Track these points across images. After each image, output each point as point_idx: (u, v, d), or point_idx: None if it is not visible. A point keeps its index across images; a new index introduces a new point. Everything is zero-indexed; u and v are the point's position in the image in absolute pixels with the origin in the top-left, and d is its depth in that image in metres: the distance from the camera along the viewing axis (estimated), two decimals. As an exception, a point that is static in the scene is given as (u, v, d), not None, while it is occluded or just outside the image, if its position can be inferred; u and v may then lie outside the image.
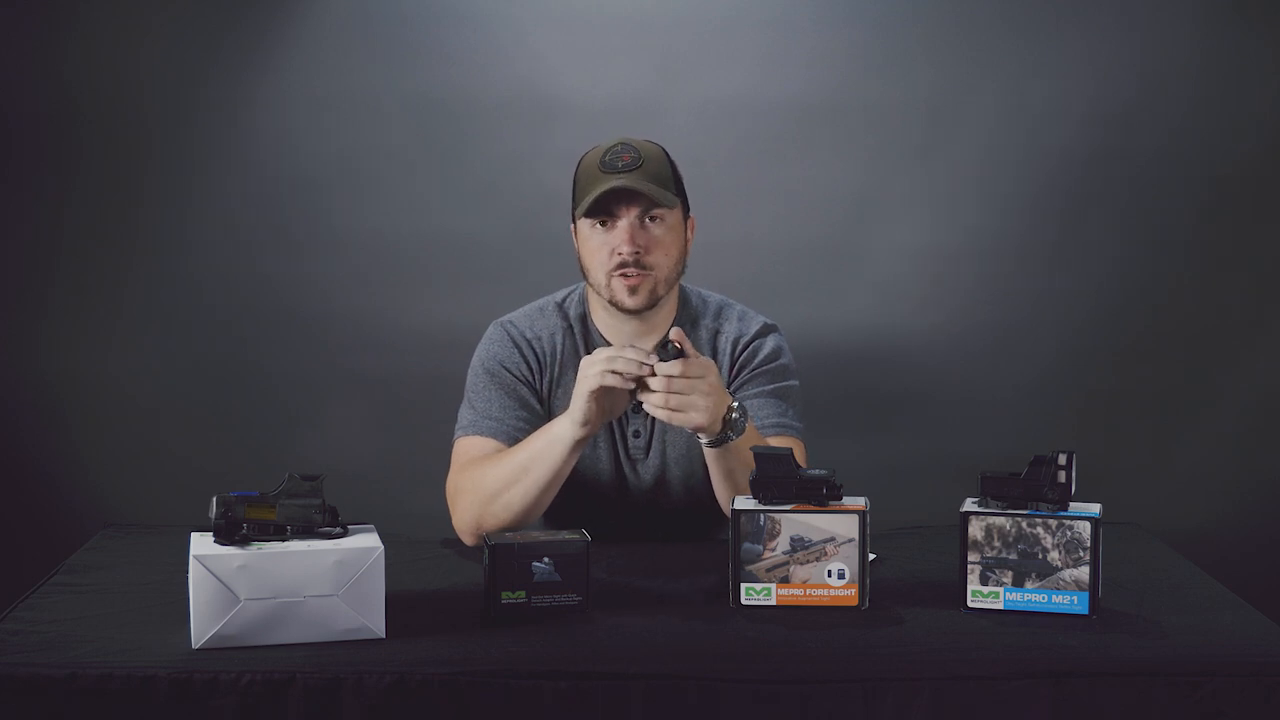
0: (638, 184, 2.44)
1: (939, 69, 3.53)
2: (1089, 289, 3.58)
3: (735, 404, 2.31)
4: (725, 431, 2.31)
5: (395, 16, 3.51)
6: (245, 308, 3.59)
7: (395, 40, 3.52)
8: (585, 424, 2.31)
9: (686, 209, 2.56)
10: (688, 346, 2.26)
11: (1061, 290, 3.58)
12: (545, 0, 3.53)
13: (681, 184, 2.55)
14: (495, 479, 2.42)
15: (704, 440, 2.34)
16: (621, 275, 2.47)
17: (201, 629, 1.93)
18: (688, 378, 2.24)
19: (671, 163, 2.53)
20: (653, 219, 2.47)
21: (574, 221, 2.53)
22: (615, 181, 2.44)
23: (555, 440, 2.36)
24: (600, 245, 2.48)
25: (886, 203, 3.56)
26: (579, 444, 2.35)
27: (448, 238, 3.57)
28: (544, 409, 2.58)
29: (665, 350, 2.25)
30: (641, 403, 2.28)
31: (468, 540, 2.47)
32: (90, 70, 3.50)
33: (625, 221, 2.46)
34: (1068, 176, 3.54)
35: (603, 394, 2.29)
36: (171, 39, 3.50)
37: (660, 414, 2.26)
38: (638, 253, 2.46)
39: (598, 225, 2.48)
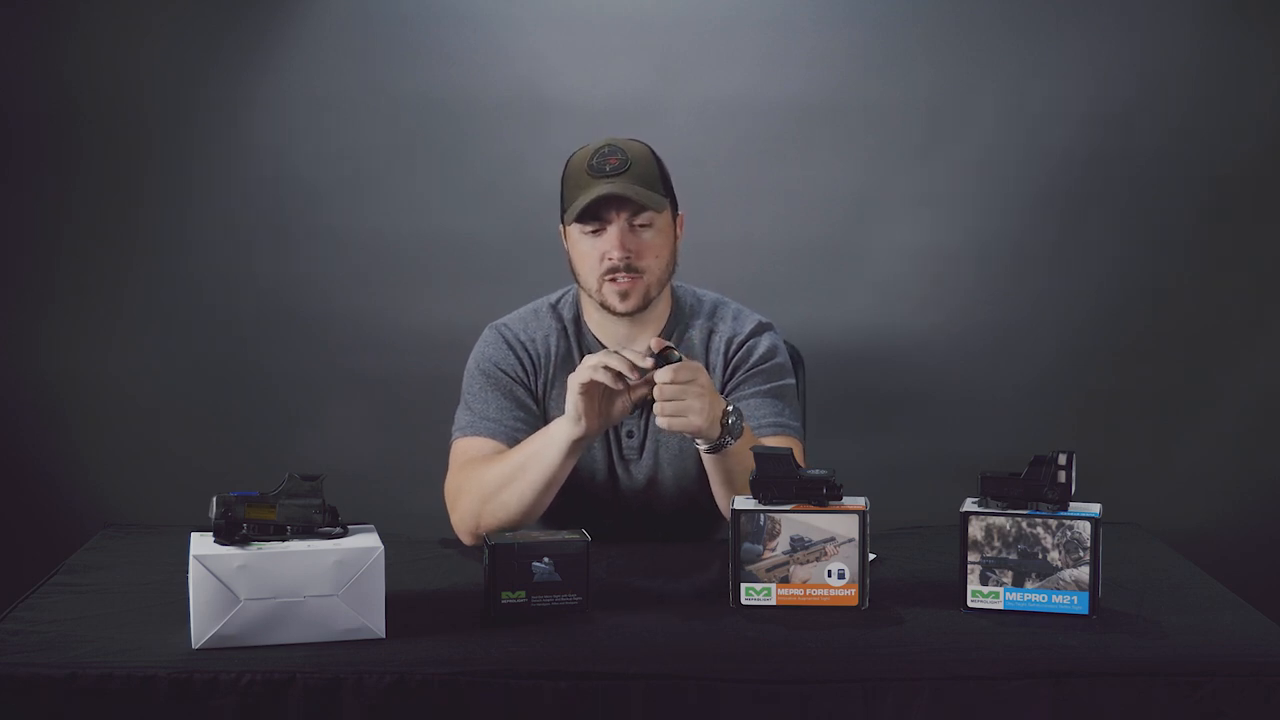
0: (626, 189, 2.43)
1: (939, 69, 3.52)
2: (1089, 289, 3.58)
3: (730, 407, 2.31)
4: (724, 436, 2.31)
5: (395, 16, 3.51)
6: (245, 308, 3.60)
7: (395, 40, 3.52)
8: (578, 421, 2.30)
9: (675, 207, 2.55)
10: (674, 351, 2.25)
11: (1061, 290, 3.58)
12: (545, 0, 3.53)
13: (669, 182, 2.53)
14: (493, 478, 2.42)
15: (702, 446, 2.33)
16: (613, 280, 2.46)
17: (201, 629, 1.93)
18: (678, 383, 2.24)
19: (659, 161, 2.52)
20: (642, 223, 2.47)
21: (563, 225, 2.53)
22: (604, 188, 2.43)
23: (551, 440, 2.36)
24: (590, 250, 2.47)
25: (886, 203, 3.56)
26: (575, 445, 2.34)
27: (448, 238, 3.57)
28: (539, 409, 2.57)
29: (657, 358, 2.25)
30: (640, 407, 2.28)
31: (466, 540, 2.47)
32: (90, 70, 3.50)
33: (615, 227, 2.45)
34: (1068, 176, 3.54)
35: (594, 390, 2.28)
36: (171, 39, 3.50)
37: (660, 422, 2.27)
38: (628, 257, 2.45)
39: (588, 230, 2.47)
